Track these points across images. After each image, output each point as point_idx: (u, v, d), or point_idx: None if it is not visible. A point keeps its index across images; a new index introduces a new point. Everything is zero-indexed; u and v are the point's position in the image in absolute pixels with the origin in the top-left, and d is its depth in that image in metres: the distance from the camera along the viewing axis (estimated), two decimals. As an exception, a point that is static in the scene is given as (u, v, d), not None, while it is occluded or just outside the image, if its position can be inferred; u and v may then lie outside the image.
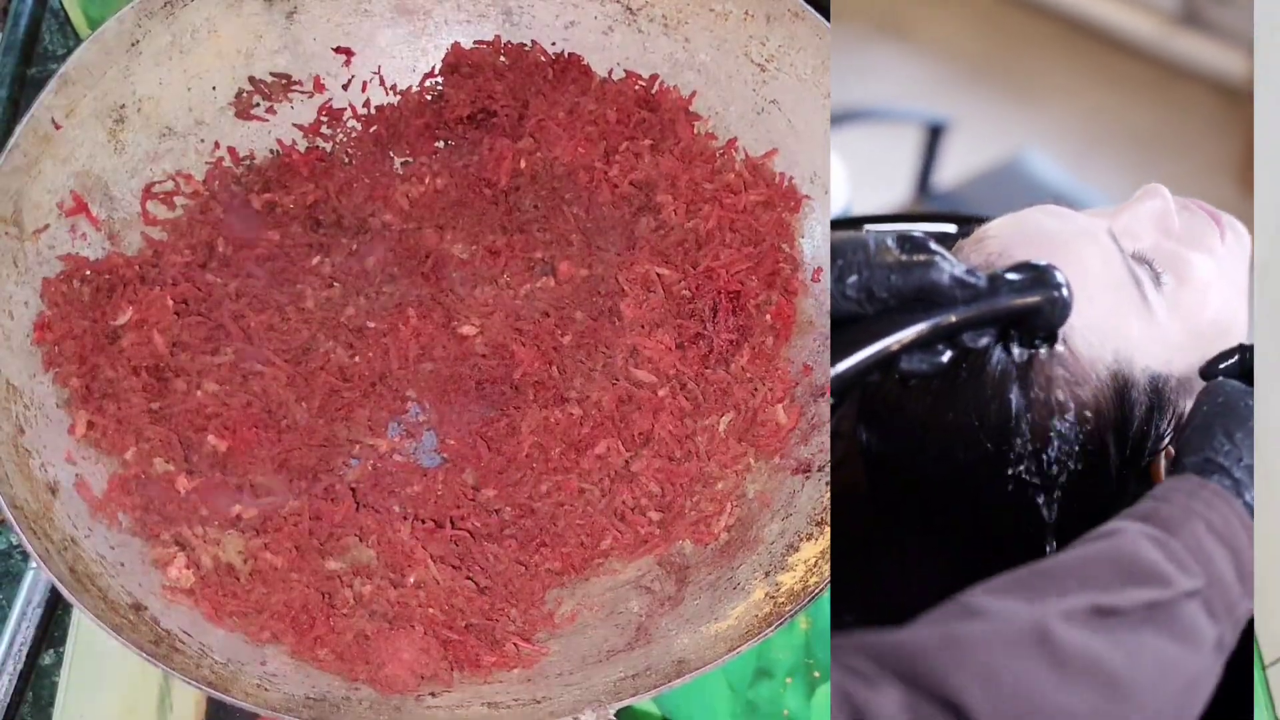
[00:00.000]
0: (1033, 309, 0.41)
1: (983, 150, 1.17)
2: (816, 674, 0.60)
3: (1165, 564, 0.37)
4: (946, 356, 0.41)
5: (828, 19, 0.60)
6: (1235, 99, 1.41)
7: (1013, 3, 1.58)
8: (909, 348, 0.40)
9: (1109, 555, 0.37)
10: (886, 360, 0.40)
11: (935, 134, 1.08)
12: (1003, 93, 1.48)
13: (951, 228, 0.56)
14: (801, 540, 0.55)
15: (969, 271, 0.41)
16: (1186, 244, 0.46)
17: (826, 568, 0.53)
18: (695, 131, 0.63)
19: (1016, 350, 0.43)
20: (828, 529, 0.55)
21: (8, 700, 0.56)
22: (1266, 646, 0.60)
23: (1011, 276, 0.41)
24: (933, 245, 0.40)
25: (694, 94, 0.64)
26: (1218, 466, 0.40)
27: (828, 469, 0.57)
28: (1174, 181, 0.48)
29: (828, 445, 0.57)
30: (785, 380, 0.60)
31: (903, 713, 0.31)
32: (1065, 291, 0.41)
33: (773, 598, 0.53)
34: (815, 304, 0.62)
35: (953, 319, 0.40)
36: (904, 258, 0.40)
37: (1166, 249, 0.46)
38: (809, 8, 0.60)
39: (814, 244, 0.62)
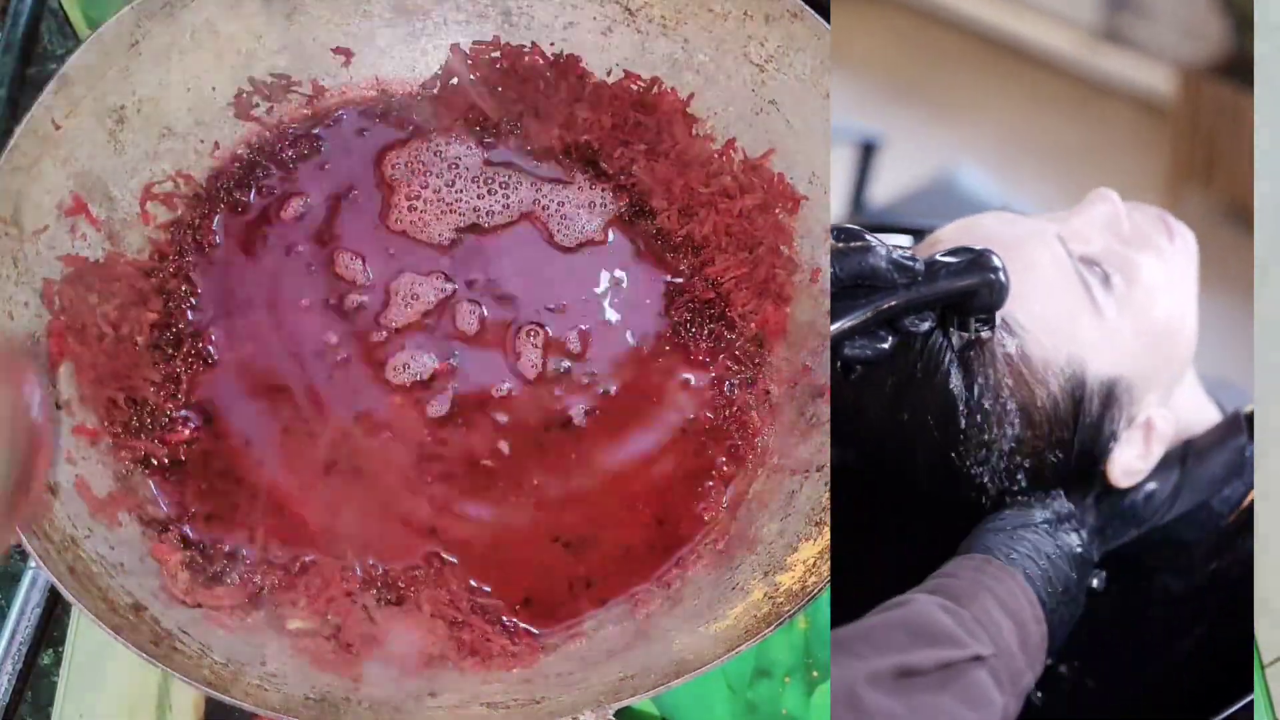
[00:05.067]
0: (970, 291, 0.42)
1: (911, 167, 1.19)
2: (815, 673, 0.60)
3: (956, 629, 0.38)
4: (888, 342, 0.42)
5: (827, 20, 0.60)
6: (1157, 113, 1.44)
7: (936, 21, 1.60)
8: (851, 334, 0.41)
9: (904, 621, 0.39)
10: (831, 347, 0.41)
11: (867, 151, 1.10)
12: (931, 110, 1.50)
13: (907, 239, 0.57)
14: (800, 540, 0.55)
15: (906, 255, 0.42)
16: (1135, 246, 0.47)
17: (825, 568, 0.53)
18: (693, 133, 0.63)
19: (958, 341, 0.44)
20: (826, 529, 0.55)
21: (6, 700, 0.56)
22: (1266, 646, 0.60)
23: (948, 260, 0.42)
24: (867, 234, 0.42)
25: (691, 95, 0.64)
26: (1001, 548, 0.43)
27: (827, 469, 0.57)
28: (1100, 194, 0.49)
29: (827, 445, 0.57)
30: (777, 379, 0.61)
31: None
32: (1002, 275, 0.42)
33: (771, 598, 0.53)
34: (815, 304, 0.62)
35: (893, 302, 0.41)
36: (840, 245, 0.41)
37: (1116, 251, 0.47)
38: (808, 8, 0.60)
39: (813, 244, 0.62)
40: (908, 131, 1.40)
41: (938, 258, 0.42)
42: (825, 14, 0.60)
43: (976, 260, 0.42)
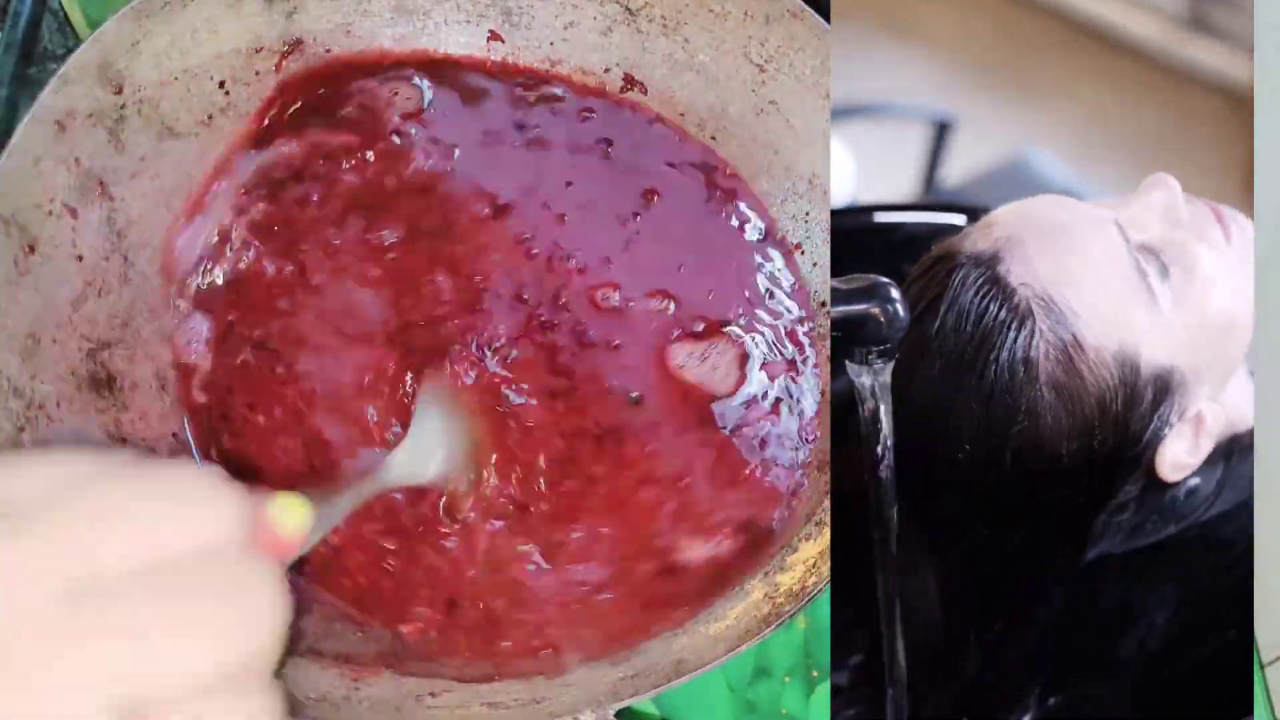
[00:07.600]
0: (859, 319, 0.40)
1: (987, 149, 1.18)
2: (815, 673, 0.60)
3: None
4: None
5: (827, 19, 0.60)
6: (1239, 103, 1.43)
7: (1020, 4, 1.58)
8: None
9: None
10: None
11: (941, 131, 1.09)
12: (1008, 92, 1.49)
13: (961, 219, 0.57)
14: (800, 540, 0.55)
15: None
16: (1193, 236, 0.46)
17: (825, 568, 0.53)
18: None
19: (1022, 341, 0.43)
20: (827, 529, 0.55)
21: (7, 700, 0.56)
22: (1266, 647, 0.60)
23: (838, 286, 0.40)
24: None
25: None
26: None
27: (827, 469, 0.57)
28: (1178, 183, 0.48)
29: (828, 446, 0.57)
30: None
31: None
32: (898, 306, 0.40)
33: (771, 598, 0.53)
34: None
35: None
36: None
37: (1174, 240, 0.46)
38: (808, 8, 0.60)
39: (811, 241, 0.62)
40: (986, 113, 1.39)
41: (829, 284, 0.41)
42: (825, 14, 0.60)
43: (868, 288, 0.40)
